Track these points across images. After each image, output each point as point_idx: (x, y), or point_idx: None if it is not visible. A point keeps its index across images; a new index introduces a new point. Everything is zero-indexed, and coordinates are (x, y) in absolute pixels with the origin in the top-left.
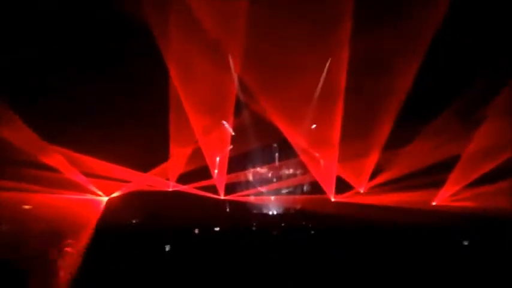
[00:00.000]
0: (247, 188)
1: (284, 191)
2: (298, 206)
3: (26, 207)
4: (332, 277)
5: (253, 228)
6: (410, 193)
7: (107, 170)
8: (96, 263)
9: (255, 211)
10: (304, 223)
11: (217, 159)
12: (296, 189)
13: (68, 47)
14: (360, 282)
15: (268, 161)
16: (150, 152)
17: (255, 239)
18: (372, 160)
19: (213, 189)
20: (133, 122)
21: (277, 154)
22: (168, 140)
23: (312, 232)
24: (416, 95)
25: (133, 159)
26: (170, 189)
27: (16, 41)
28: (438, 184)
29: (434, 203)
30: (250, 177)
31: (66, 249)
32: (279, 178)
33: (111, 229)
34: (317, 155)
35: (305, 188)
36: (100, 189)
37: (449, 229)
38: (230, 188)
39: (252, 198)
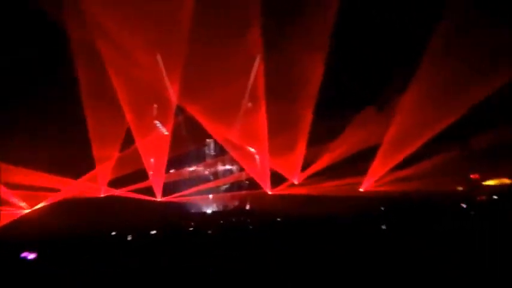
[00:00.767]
0: (185, 188)
1: (222, 188)
2: (237, 202)
3: None
4: (271, 271)
5: (191, 229)
6: (340, 181)
7: (32, 179)
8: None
9: (193, 211)
10: (242, 219)
11: (152, 160)
12: (233, 186)
13: None
14: (295, 272)
15: (204, 159)
16: (81, 158)
17: (192, 240)
18: (301, 152)
19: (150, 191)
20: (61, 126)
21: (213, 152)
22: (100, 144)
23: (250, 227)
24: (337, 91)
25: (64, 166)
26: (102, 195)
27: None
28: (363, 172)
29: (361, 189)
30: (188, 177)
31: None
32: (216, 176)
33: (28, 244)
34: (252, 150)
35: (242, 183)
36: (23, 201)
37: (371, 214)
38: (168, 189)
39: (190, 198)
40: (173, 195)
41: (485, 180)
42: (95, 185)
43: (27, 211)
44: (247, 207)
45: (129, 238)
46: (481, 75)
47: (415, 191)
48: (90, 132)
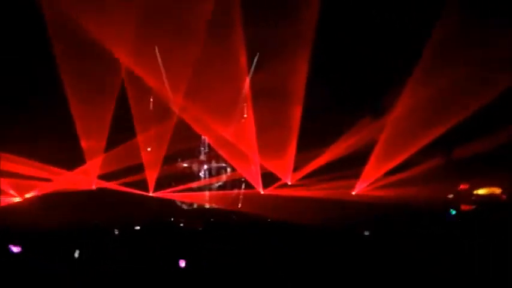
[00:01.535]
0: (177, 184)
1: (214, 186)
2: (228, 201)
3: None
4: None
5: (181, 225)
6: (333, 183)
7: (23, 168)
8: None
9: (183, 207)
10: (234, 217)
11: (146, 154)
12: (226, 184)
13: None
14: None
15: (198, 156)
16: (76, 149)
17: (180, 236)
18: (292, 151)
19: (143, 185)
20: (57, 116)
21: (207, 149)
22: (93, 136)
23: (239, 226)
24: (331, 92)
25: (58, 157)
26: (93, 187)
27: None
28: (356, 175)
29: (353, 193)
30: (181, 173)
31: None
32: (210, 173)
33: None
34: (242, 148)
35: (235, 182)
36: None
37: (357, 219)
38: (160, 184)
39: (182, 194)
40: (165, 191)
41: (475, 189)
42: (87, 177)
43: (16, 200)
44: (239, 206)
45: (116, 232)
46: (478, 81)
47: (404, 197)
48: (83, 124)
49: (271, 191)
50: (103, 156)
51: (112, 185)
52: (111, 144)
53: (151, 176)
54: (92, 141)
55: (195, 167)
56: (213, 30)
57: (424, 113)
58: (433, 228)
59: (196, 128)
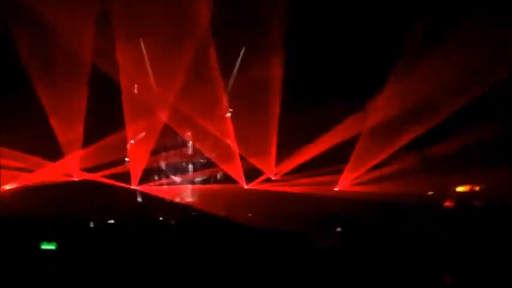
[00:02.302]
0: (160, 177)
1: (198, 180)
2: (212, 195)
3: None
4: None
5: (160, 219)
6: (316, 179)
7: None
8: None
9: (167, 201)
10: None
11: (130, 146)
12: (210, 178)
13: None
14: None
15: (182, 149)
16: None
17: (156, 230)
18: (272, 143)
19: (127, 177)
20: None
21: (191, 142)
22: (78, 127)
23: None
24: (311, 83)
25: (43, 147)
26: (75, 179)
27: None
28: (339, 170)
29: (336, 189)
30: (164, 166)
31: None
32: (194, 167)
33: None
34: (229, 142)
35: (218, 176)
36: None
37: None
38: (144, 177)
39: (165, 188)
40: (148, 184)
41: (455, 185)
42: (69, 168)
43: None
44: (221, 200)
45: (92, 225)
46: (460, 79)
47: (385, 194)
48: (58, 115)
49: (254, 185)
50: (87, 147)
51: (95, 177)
52: (94, 136)
53: (134, 168)
54: (70, 133)
55: (178, 160)
56: (198, 29)
57: (406, 110)
58: (412, 224)
59: (180, 122)
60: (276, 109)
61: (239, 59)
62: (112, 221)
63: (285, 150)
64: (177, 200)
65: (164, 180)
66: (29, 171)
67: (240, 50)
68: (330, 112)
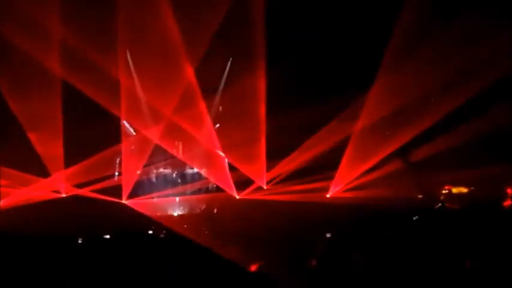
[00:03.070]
0: (150, 191)
1: (189, 191)
2: (203, 206)
3: None
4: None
5: (150, 232)
6: (307, 186)
7: None
8: None
9: (158, 214)
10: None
11: (119, 161)
12: (201, 189)
13: None
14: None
15: (172, 162)
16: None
17: (145, 244)
18: (263, 154)
19: (117, 192)
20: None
21: (180, 155)
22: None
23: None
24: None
25: (32, 164)
26: (63, 195)
27: None
28: (330, 177)
29: (328, 195)
30: (154, 179)
31: None
32: (184, 179)
33: None
34: (221, 153)
35: (210, 186)
36: None
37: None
38: (134, 190)
39: (155, 201)
40: (138, 198)
41: (443, 188)
42: (58, 183)
43: None
44: (215, 211)
45: (80, 241)
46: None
47: (377, 199)
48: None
49: (246, 195)
50: (75, 163)
51: (83, 192)
52: (81, 151)
53: (124, 182)
54: (48, 147)
55: (169, 174)
56: (185, 40)
57: (396, 112)
58: (404, 229)
59: (169, 136)
60: (262, 117)
61: (226, 70)
62: (107, 236)
63: (274, 159)
64: (168, 212)
65: (155, 194)
66: (16, 187)
67: (227, 61)
68: (318, 117)
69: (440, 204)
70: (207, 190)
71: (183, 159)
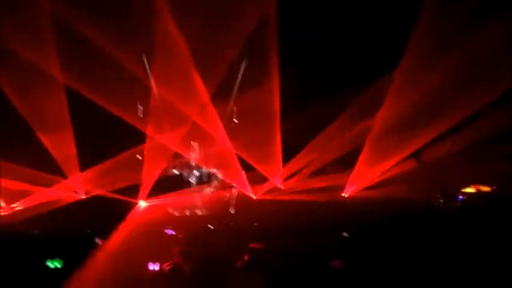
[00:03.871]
0: (166, 191)
1: (206, 192)
2: (221, 206)
3: None
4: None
5: (167, 232)
6: (324, 184)
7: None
8: None
9: (176, 214)
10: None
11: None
12: (217, 190)
13: None
14: None
15: (188, 162)
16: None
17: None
18: (279, 155)
19: (134, 192)
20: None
21: (197, 156)
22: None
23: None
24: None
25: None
26: (83, 197)
27: None
28: (347, 176)
29: (344, 195)
30: (171, 180)
31: None
32: (201, 179)
33: None
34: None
35: (226, 188)
36: None
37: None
38: (153, 190)
39: (171, 201)
40: (155, 198)
41: (462, 187)
42: (77, 185)
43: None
44: (232, 212)
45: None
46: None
47: (395, 198)
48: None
49: (263, 195)
50: (93, 165)
51: (102, 193)
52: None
53: (142, 183)
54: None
55: (186, 174)
56: (201, 36)
57: (416, 111)
58: (422, 229)
59: (185, 135)
60: (277, 117)
61: (241, 71)
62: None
63: (290, 158)
64: (186, 213)
65: (171, 194)
66: (36, 189)
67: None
68: (334, 117)
69: (458, 203)
70: (224, 190)
71: (199, 161)
